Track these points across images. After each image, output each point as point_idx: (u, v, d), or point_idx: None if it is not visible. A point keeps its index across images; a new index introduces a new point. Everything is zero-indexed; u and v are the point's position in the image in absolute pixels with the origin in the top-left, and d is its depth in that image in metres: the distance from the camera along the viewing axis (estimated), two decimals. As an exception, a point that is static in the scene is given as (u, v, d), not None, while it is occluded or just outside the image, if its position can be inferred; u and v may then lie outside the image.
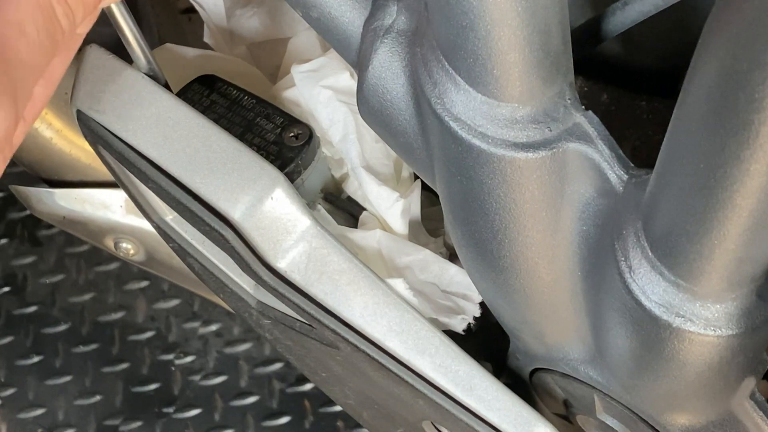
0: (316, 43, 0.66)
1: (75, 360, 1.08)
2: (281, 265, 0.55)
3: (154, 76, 0.58)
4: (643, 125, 0.54)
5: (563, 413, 0.64)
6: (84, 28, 0.43)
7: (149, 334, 1.09)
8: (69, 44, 0.44)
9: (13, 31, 0.38)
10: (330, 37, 0.50)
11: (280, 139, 0.59)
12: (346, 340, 0.56)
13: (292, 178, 0.58)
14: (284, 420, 1.04)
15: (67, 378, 1.07)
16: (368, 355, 0.56)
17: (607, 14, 0.45)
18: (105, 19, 0.94)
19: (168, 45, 0.65)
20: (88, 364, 1.08)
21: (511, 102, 0.41)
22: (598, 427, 0.61)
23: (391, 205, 0.60)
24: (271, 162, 0.55)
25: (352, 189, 0.63)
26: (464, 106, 0.41)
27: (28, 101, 0.40)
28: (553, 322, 0.53)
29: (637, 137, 0.54)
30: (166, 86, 0.58)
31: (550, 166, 0.42)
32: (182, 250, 0.64)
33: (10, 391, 1.07)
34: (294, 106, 0.63)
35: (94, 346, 1.09)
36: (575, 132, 0.41)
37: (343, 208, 0.63)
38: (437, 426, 0.63)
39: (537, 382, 0.62)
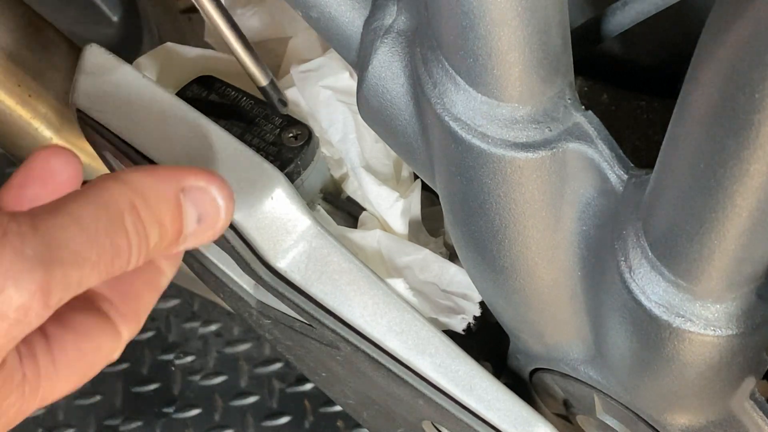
0: (316, 43, 0.65)
1: (75, 360, 1.08)
2: (281, 265, 0.55)
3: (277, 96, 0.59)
4: (643, 125, 0.54)
5: (563, 413, 0.64)
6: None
7: (149, 334, 1.09)
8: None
9: (67, 219, 0.36)
10: (330, 37, 0.50)
11: (279, 140, 0.59)
12: (346, 340, 0.56)
13: (291, 178, 0.58)
14: (284, 420, 1.04)
15: (67, 378, 1.07)
16: (368, 355, 0.56)
17: (607, 14, 0.45)
18: (106, 19, 0.93)
19: (168, 45, 0.65)
20: (88, 364, 1.07)
21: (511, 102, 0.41)
22: (598, 427, 0.61)
23: (391, 205, 0.60)
24: (271, 163, 0.55)
25: (351, 189, 0.63)
26: (464, 106, 0.41)
27: (65, 293, 0.36)
28: (553, 322, 0.53)
29: (637, 137, 0.54)
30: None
31: (550, 166, 0.42)
32: (182, 250, 0.64)
33: (10, 391, 1.06)
34: (293, 106, 0.63)
35: (94, 346, 1.08)
36: (575, 132, 0.41)
37: (342, 208, 0.63)
38: (437, 426, 0.63)
39: (537, 382, 0.62)
